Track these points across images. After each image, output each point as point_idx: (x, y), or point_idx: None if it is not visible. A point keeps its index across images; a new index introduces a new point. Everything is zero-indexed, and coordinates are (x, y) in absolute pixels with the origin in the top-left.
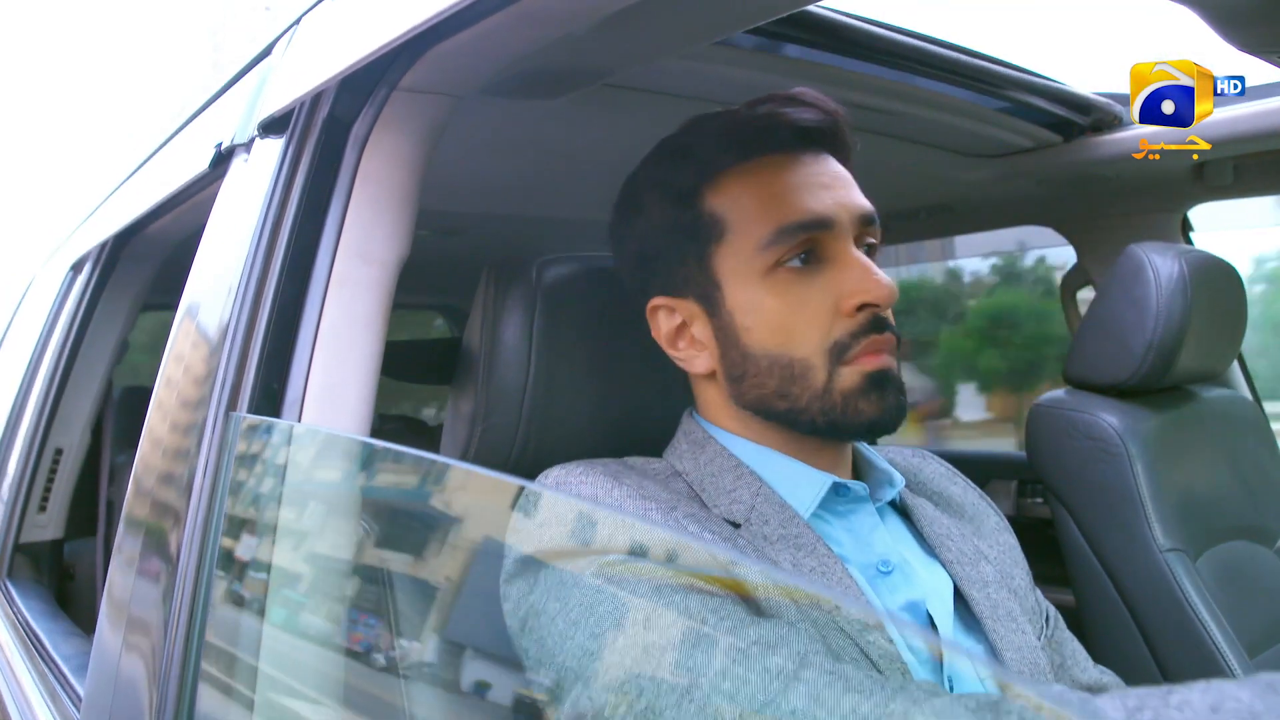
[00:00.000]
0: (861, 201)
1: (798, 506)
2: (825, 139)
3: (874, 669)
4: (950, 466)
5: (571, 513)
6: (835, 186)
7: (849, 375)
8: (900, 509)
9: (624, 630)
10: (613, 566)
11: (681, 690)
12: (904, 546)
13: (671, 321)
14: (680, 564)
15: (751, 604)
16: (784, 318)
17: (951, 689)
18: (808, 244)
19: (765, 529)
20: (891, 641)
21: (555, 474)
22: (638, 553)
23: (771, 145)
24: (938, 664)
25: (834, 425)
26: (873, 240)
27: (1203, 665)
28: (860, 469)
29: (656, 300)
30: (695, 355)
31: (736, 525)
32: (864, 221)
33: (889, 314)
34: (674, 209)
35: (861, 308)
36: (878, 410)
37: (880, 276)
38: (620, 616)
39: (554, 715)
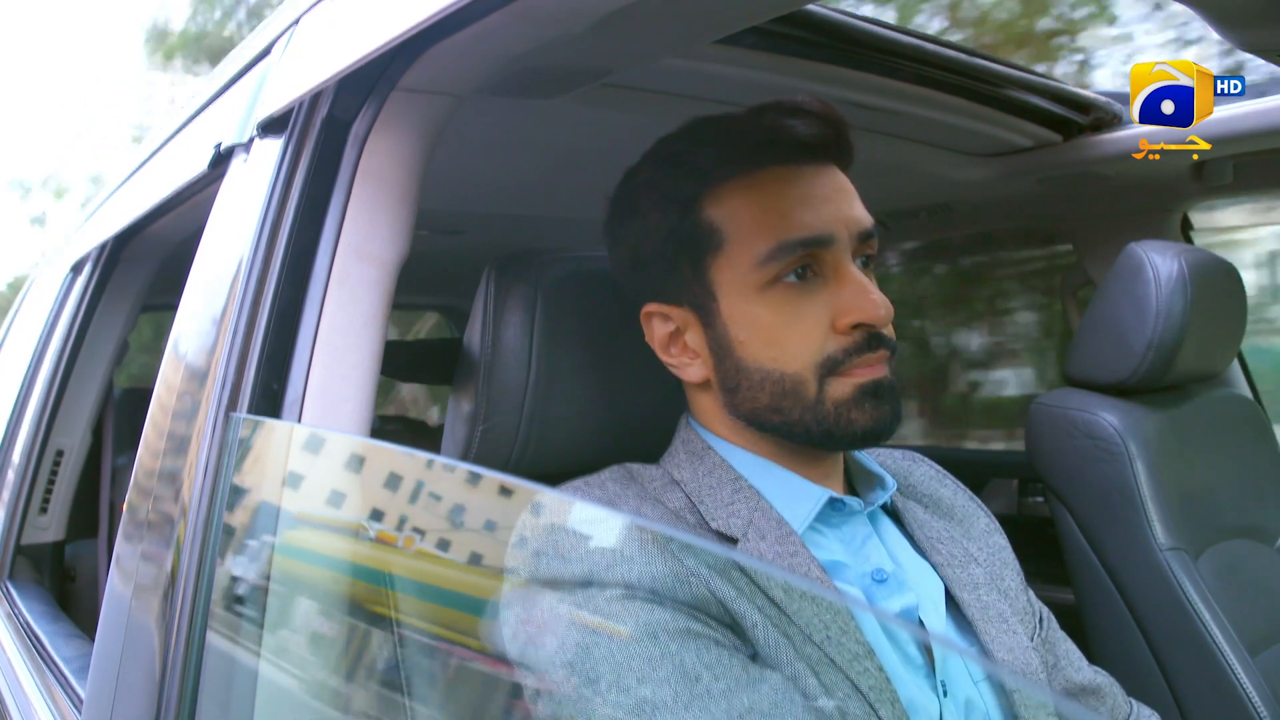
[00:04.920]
0: (862, 215)
1: (793, 520)
2: (829, 150)
3: (864, 701)
4: (940, 469)
5: (567, 541)
6: (836, 200)
7: (840, 386)
8: (891, 512)
9: (619, 682)
10: (610, 604)
11: None
12: (896, 550)
13: (665, 328)
14: (679, 601)
15: (748, 645)
16: (778, 332)
17: (945, 694)
18: (806, 259)
19: (761, 544)
20: (882, 669)
21: (551, 495)
22: (635, 588)
23: (774, 157)
24: (930, 670)
25: (828, 434)
26: (870, 253)
27: (1203, 664)
28: (852, 472)
29: (650, 306)
30: (688, 363)
31: (734, 540)
32: (863, 236)
33: (887, 330)
34: (671, 216)
35: (856, 326)
36: (871, 420)
37: (876, 296)
38: (615, 665)
39: None
